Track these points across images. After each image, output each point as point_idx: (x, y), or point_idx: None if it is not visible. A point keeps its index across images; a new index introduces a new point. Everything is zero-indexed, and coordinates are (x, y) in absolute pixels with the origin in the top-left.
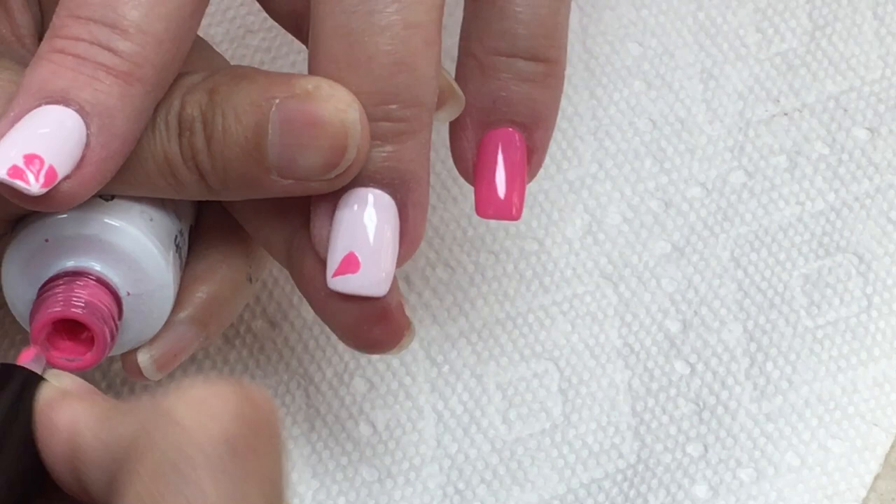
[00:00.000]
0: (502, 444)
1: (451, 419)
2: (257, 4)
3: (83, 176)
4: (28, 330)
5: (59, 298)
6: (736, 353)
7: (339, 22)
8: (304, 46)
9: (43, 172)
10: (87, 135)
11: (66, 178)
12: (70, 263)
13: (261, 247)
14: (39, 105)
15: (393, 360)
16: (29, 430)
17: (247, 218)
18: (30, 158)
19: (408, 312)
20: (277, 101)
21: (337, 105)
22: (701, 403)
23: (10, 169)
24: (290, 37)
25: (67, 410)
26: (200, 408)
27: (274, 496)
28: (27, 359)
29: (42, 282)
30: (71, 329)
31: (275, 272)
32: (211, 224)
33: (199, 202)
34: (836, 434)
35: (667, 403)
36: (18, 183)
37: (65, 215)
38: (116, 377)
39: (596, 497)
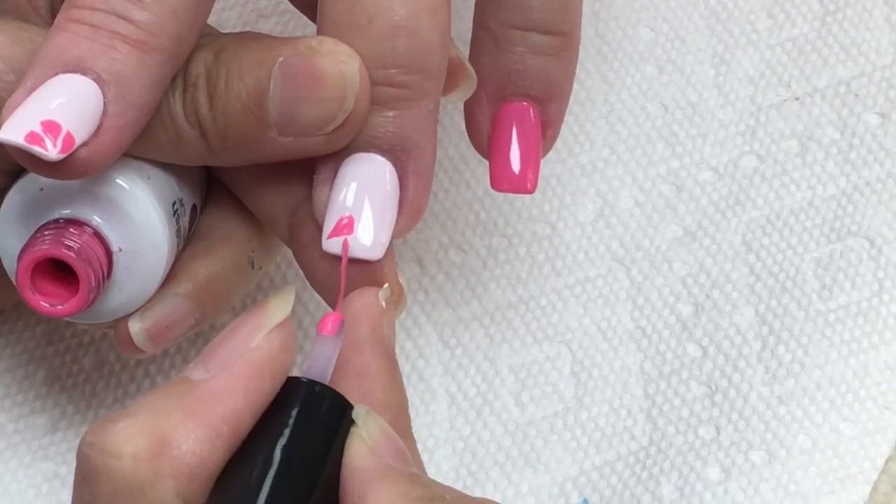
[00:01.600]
0: (515, 426)
1: (463, 402)
2: None
3: (100, 143)
4: (17, 287)
5: (48, 239)
6: (748, 336)
7: None
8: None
9: (60, 139)
10: (104, 103)
11: (83, 145)
12: (64, 212)
13: (267, 233)
14: (56, 74)
15: (406, 343)
16: (335, 479)
17: (249, 192)
18: (48, 125)
19: (421, 295)
20: (281, 58)
21: (338, 58)
22: (713, 386)
23: (27, 135)
24: (303, 20)
25: (382, 500)
26: None
27: None
28: (332, 331)
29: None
30: (58, 275)
31: (288, 253)
32: (214, 206)
33: (205, 185)
34: (848, 417)
35: (679, 386)
36: (36, 149)
37: None
38: (109, 352)
39: (608, 479)
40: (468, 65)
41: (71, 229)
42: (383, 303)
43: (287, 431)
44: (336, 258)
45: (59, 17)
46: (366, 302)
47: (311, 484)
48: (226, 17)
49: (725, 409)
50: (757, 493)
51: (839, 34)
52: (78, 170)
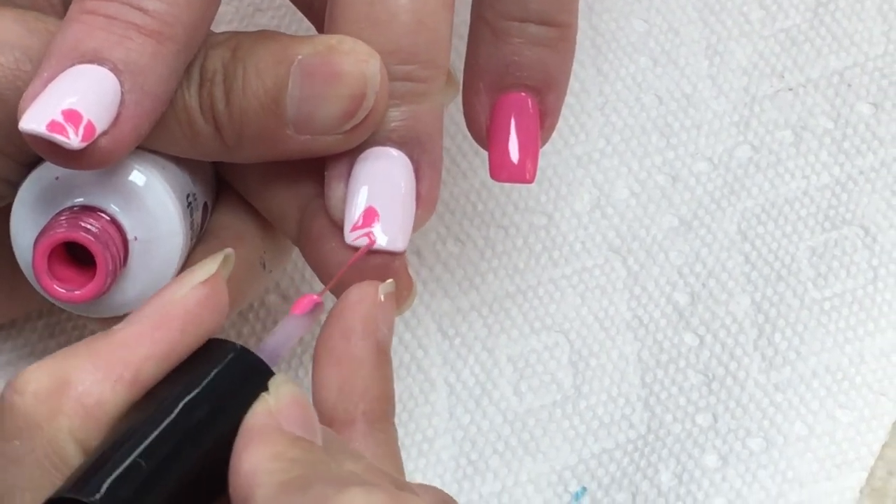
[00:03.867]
0: (514, 415)
1: (463, 391)
2: None
3: (119, 132)
4: (30, 279)
5: (65, 223)
6: (744, 324)
7: None
8: (313, 26)
9: (82, 127)
10: (122, 93)
11: (103, 134)
12: (80, 200)
13: (277, 236)
14: (73, 65)
15: (405, 334)
16: (231, 436)
17: (257, 190)
18: (69, 114)
19: (420, 286)
20: (300, 57)
21: (358, 57)
22: (710, 374)
23: (49, 124)
24: (298, 15)
25: (253, 458)
26: None
27: None
28: (300, 311)
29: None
30: (73, 264)
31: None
32: (225, 207)
33: (216, 185)
34: (844, 404)
35: (676, 375)
36: (58, 137)
37: None
38: None
39: (607, 467)
40: (452, 71)
41: (88, 215)
42: (382, 296)
43: (194, 387)
44: (347, 253)
45: (73, 8)
46: (363, 293)
47: (201, 439)
48: (222, 11)
49: (722, 396)
50: (755, 480)
51: (832, 25)
52: (98, 159)
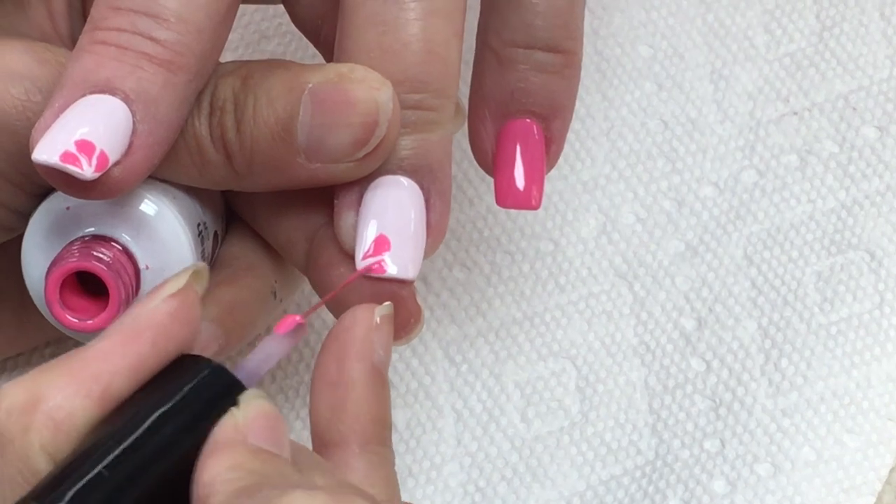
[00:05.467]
0: (521, 442)
1: (470, 418)
2: (272, 10)
3: (132, 162)
4: (41, 310)
5: (77, 253)
6: (751, 349)
7: (371, 11)
8: (318, 52)
9: (95, 158)
10: (133, 122)
11: (116, 163)
12: (91, 230)
13: (288, 266)
14: (85, 95)
15: (412, 361)
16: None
17: (266, 219)
18: (82, 145)
19: (427, 313)
20: (311, 85)
21: (371, 85)
22: (717, 400)
23: (63, 154)
24: (304, 42)
25: (213, 468)
26: None
27: None
28: (285, 329)
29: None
30: (85, 294)
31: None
32: (236, 238)
33: (225, 214)
34: (852, 428)
35: (683, 400)
36: (72, 168)
37: None
38: None
39: (615, 493)
40: (459, 99)
41: (99, 244)
42: (378, 319)
43: (166, 401)
44: (368, 280)
45: (83, 38)
46: (359, 316)
47: (169, 453)
48: (229, 38)
49: (730, 422)
50: None
51: (836, 49)
52: (111, 189)
